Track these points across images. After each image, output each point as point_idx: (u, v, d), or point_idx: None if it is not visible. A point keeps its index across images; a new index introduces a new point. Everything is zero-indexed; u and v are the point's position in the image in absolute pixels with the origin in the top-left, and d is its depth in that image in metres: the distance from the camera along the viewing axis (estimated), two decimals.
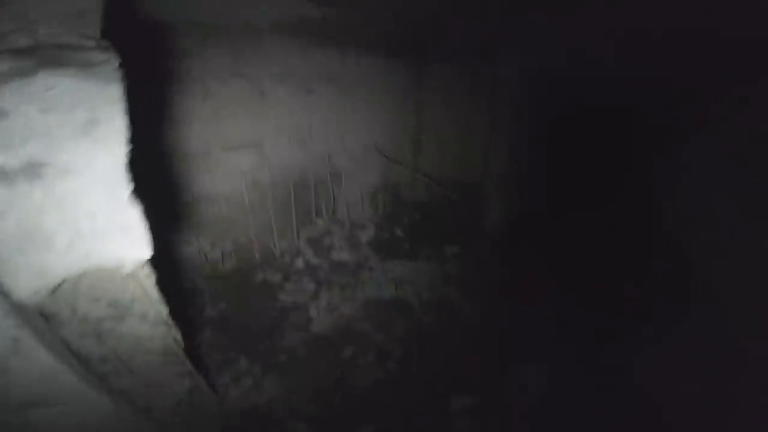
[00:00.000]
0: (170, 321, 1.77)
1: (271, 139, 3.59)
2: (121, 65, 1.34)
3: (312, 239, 3.93)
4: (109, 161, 1.28)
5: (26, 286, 1.20)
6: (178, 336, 1.81)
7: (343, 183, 4.21)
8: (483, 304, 3.35)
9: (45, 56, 1.23)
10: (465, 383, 2.66)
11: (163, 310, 1.73)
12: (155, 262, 1.64)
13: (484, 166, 4.45)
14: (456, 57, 4.27)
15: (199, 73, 3.07)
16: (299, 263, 3.67)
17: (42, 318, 1.34)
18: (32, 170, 1.15)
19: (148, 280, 1.64)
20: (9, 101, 1.13)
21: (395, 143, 4.54)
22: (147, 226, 1.45)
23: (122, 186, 1.31)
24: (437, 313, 3.27)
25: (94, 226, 1.28)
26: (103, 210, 1.29)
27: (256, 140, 3.51)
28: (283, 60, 3.49)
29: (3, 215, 1.12)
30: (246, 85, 3.34)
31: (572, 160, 4.08)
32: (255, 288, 3.33)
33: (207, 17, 2.92)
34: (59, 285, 1.30)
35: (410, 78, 4.55)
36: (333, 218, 4.16)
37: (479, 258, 4.00)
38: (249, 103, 3.38)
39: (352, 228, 4.16)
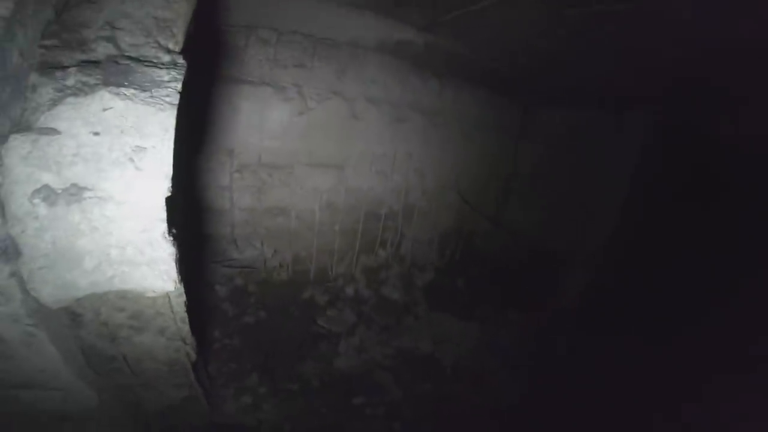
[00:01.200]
0: (189, 338, 1.78)
1: (354, 163, 3.56)
2: (183, 89, 1.34)
3: (369, 269, 3.82)
4: (149, 193, 1.28)
5: (51, 295, 1.25)
6: (192, 352, 1.80)
7: (414, 220, 4.02)
8: (523, 389, 2.86)
9: (112, 71, 1.26)
10: None
11: (184, 327, 1.74)
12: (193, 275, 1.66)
13: (579, 233, 3.85)
14: (572, 102, 3.79)
15: (301, 86, 3.14)
16: (349, 290, 3.58)
17: (67, 316, 1.40)
18: (74, 192, 1.18)
19: (178, 299, 1.66)
20: (63, 119, 1.17)
21: (480, 188, 4.21)
22: (178, 258, 1.45)
23: (157, 220, 1.31)
24: (468, 386, 2.88)
25: (122, 254, 1.30)
26: (134, 242, 1.30)
27: (339, 162, 3.50)
28: (382, 83, 3.44)
29: (41, 231, 1.17)
30: (342, 104, 3.35)
31: (683, 241, 3.30)
32: (299, 304, 3.32)
33: (318, 30, 3.00)
34: (84, 299, 1.34)
35: (512, 119, 4.18)
36: (395, 253, 3.98)
37: (538, 334, 3.46)
38: (341, 124, 3.38)
39: (412, 268, 3.94)
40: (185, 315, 1.71)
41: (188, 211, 3.02)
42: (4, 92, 1.16)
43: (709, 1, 1.79)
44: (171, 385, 1.88)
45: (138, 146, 1.26)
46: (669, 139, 3.33)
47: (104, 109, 1.23)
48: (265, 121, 3.14)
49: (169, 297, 1.60)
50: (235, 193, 3.21)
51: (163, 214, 1.29)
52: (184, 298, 1.65)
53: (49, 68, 1.24)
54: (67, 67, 1.25)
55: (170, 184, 1.29)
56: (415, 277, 3.91)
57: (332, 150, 3.45)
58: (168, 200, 1.31)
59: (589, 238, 3.79)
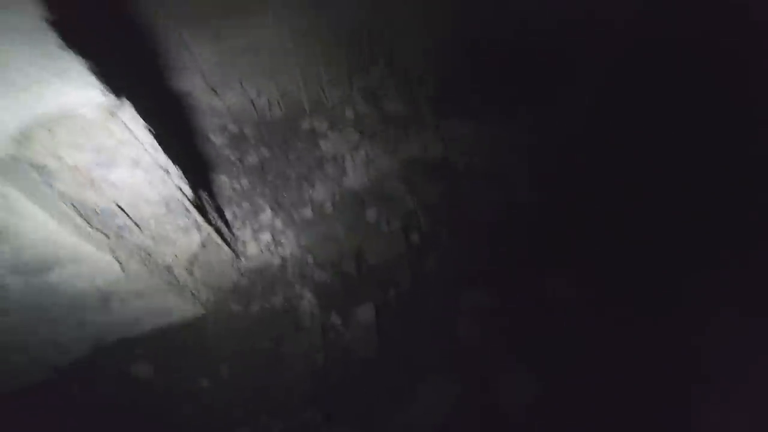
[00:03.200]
0: (171, 167, 1.74)
1: None
2: None
3: (365, 88, 3.51)
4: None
5: None
6: (184, 184, 1.80)
7: (402, 29, 3.43)
8: (538, 184, 2.79)
9: None
10: (481, 279, 2.41)
11: (160, 156, 1.69)
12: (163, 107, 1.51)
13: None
14: None
15: None
16: (348, 112, 3.38)
17: (34, 170, 1.36)
18: None
19: (134, 122, 1.55)
20: None
21: None
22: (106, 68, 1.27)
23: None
24: (483, 183, 2.85)
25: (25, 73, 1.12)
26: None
27: None
28: None
29: None
30: None
31: None
32: (300, 135, 3.23)
33: None
34: (23, 134, 1.24)
35: None
36: (390, 68, 3.57)
37: (562, 126, 3.21)
38: None
39: (411, 81, 3.57)
40: (153, 141, 1.63)
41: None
42: None
43: None
44: (179, 230, 1.92)
45: None
46: None
47: None
48: None
49: (124, 122, 1.49)
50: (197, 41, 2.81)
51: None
52: (139, 120, 1.54)
53: None
54: None
55: None
56: (415, 88, 3.57)
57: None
58: None
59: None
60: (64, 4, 1.14)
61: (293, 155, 3.02)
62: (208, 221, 2.11)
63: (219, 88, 3.17)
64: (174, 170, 1.72)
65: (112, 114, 1.45)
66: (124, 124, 1.52)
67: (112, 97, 1.39)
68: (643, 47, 2.66)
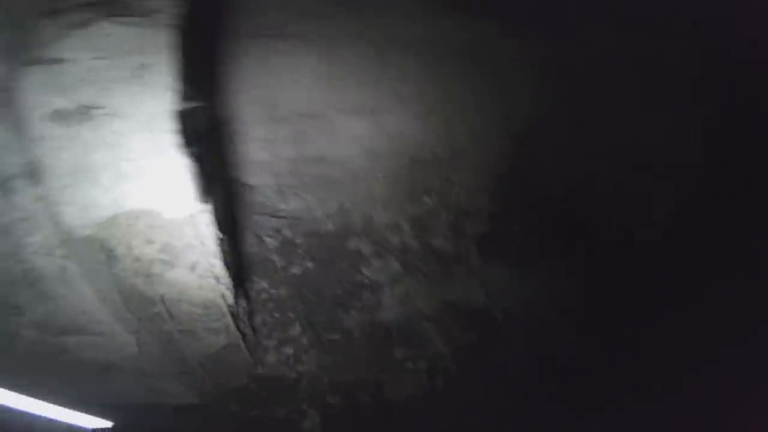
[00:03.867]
0: (223, 277, 1.83)
1: (390, 107, 3.38)
2: (187, 14, 1.30)
3: (415, 218, 3.68)
4: (155, 106, 1.27)
5: (75, 216, 1.31)
6: (228, 292, 1.86)
7: (462, 164, 3.76)
8: (580, 341, 2.60)
9: (111, 6, 1.25)
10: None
11: (217, 263, 1.79)
12: (229, 215, 1.68)
13: None
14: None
15: (326, 34, 3.03)
16: (395, 240, 3.50)
17: (102, 252, 1.50)
18: (84, 112, 1.20)
19: (207, 229, 1.69)
20: (68, 49, 1.17)
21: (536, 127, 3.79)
22: (201, 179, 1.46)
23: (165, 131, 1.31)
24: (518, 337, 2.70)
25: (135, 167, 1.31)
26: (144, 153, 1.31)
27: (374, 107, 3.36)
28: (414, 21, 3.18)
29: (59, 152, 1.21)
30: (370, 48, 3.18)
31: None
32: (345, 255, 3.32)
33: None
34: (109, 220, 1.39)
35: None
36: (443, 201, 3.79)
37: (602, 284, 3.11)
38: (371, 67, 3.22)
39: (461, 215, 3.73)
40: (217, 249, 1.76)
41: (229, 163, 3.14)
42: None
43: None
44: (208, 330, 1.96)
45: (141, 63, 1.24)
46: None
47: (106, 35, 1.23)
48: (295, 72, 3.10)
49: (195, 224, 1.63)
50: (275, 145, 3.23)
51: (171, 125, 1.28)
52: (213, 228, 1.68)
53: (54, 12, 1.26)
54: (70, 8, 1.27)
55: (175, 96, 1.28)
56: (465, 225, 3.70)
57: (366, 95, 3.30)
58: (179, 114, 1.30)
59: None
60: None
61: (335, 275, 3.08)
62: (238, 327, 2.11)
63: (288, 191, 3.50)
64: (225, 280, 1.81)
65: (193, 217, 1.60)
66: (198, 228, 1.66)
67: (198, 202, 1.56)
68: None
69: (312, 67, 3.10)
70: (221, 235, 1.78)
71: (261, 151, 3.23)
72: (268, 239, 3.30)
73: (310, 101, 3.20)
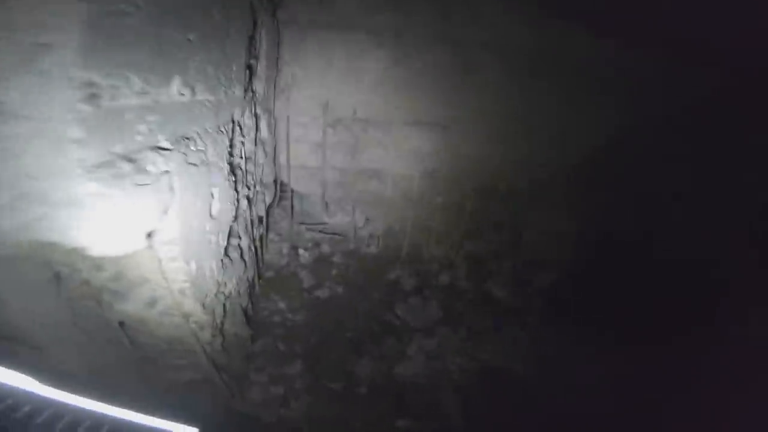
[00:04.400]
0: (196, 315, 1.53)
1: (464, 123, 2.82)
2: None
3: (473, 257, 3.12)
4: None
5: None
6: (202, 331, 1.57)
7: (543, 202, 3.06)
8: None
9: None
10: None
11: (184, 302, 1.49)
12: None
13: None
14: None
15: (399, 31, 2.56)
16: (444, 278, 2.99)
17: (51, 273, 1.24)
18: None
19: (172, 264, 1.39)
20: None
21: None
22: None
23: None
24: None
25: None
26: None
27: (444, 121, 2.82)
28: (504, 25, 2.54)
29: None
30: (449, 52, 2.63)
31: None
32: (382, 285, 2.91)
33: None
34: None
35: None
36: (512, 242, 3.14)
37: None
38: (448, 76, 2.68)
39: (530, 263, 3.06)
40: (185, 285, 1.46)
41: (275, 167, 2.88)
42: None
43: None
44: (171, 366, 1.69)
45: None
46: None
47: None
48: (359, 71, 2.68)
49: (158, 258, 1.33)
50: (327, 150, 2.90)
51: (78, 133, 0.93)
52: (177, 261, 1.38)
53: None
54: None
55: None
56: (533, 275, 3.04)
57: (437, 107, 2.77)
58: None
59: None
60: None
61: (363, 307, 2.70)
62: (215, 363, 1.83)
63: (333, 203, 3.18)
64: (202, 318, 1.52)
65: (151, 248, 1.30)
66: (158, 261, 1.36)
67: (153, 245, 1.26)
68: None
69: (380, 67, 2.66)
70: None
71: (309, 156, 2.91)
72: (302, 252, 3.04)
73: (372, 106, 2.77)
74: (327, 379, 2.21)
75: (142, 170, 1.17)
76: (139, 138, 1.16)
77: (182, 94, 1.35)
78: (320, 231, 3.15)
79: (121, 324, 1.45)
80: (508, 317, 2.85)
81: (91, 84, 0.97)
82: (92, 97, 0.98)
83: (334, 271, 2.95)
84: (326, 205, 3.11)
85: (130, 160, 1.14)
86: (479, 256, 3.14)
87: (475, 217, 3.08)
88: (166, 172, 1.27)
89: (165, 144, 1.28)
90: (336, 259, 3.05)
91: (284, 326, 2.49)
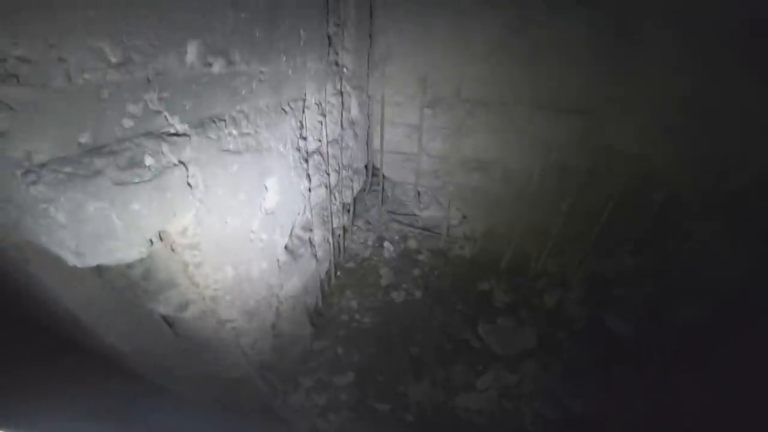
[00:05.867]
0: (236, 323, 1.42)
1: (618, 109, 2.07)
2: None
3: (598, 278, 2.46)
4: None
5: None
6: (244, 339, 1.45)
7: (722, 219, 2.16)
8: None
9: None
10: None
11: (220, 309, 1.36)
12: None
13: None
14: None
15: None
16: (550, 299, 2.44)
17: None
18: None
19: (199, 270, 1.24)
20: None
21: None
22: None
23: None
24: None
25: None
26: None
27: (587, 105, 2.12)
28: None
29: None
30: (595, 16, 1.89)
31: None
32: (469, 296, 2.51)
33: None
34: None
35: None
36: (656, 266, 2.35)
37: None
38: (595, 46, 1.96)
39: (678, 294, 2.27)
40: (217, 293, 1.32)
41: (365, 148, 2.60)
42: None
43: None
44: (212, 360, 1.60)
45: None
46: None
47: None
48: (467, 40, 2.13)
49: (183, 258, 1.18)
50: (424, 134, 2.49)
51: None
52: (206, 269, 1.22)
53: None
54: None
55: None
56: (673, 309, 2.26)
57: (576, 86, 2.06)
58: None
59: None
60: None
61: (440, 319, 2.36)
62: (254, 363, 1.75)
63: (428, 195, 2.81)
64: (242, 322, 1.40)
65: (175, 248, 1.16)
66: (186, 273, 1.23)
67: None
68: None
69: (496, 37, 2.07)
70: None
71: (405, 140, 2.55)
72: (387, 245, 2.79)
73: (482, 83, 2.23)
74: (374, 397, 2.00)
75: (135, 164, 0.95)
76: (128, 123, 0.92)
77: (209, 64, 1.11)
78: (408, 224, 2.84)
79: (164, 317, 1.41)
80: (625, 358, 2.21)
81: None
82: None
83: (416, 271, 2.65)
84: (418, 195, 2.76)
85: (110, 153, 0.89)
86: (605, 278, 2.46)
87: (612, 230, 2.36)
88: (178, 164, 1.08)
89: (178, 128, 1.06)
90: (422, 257, 2.73)
91: (349, 327, 2.32)
